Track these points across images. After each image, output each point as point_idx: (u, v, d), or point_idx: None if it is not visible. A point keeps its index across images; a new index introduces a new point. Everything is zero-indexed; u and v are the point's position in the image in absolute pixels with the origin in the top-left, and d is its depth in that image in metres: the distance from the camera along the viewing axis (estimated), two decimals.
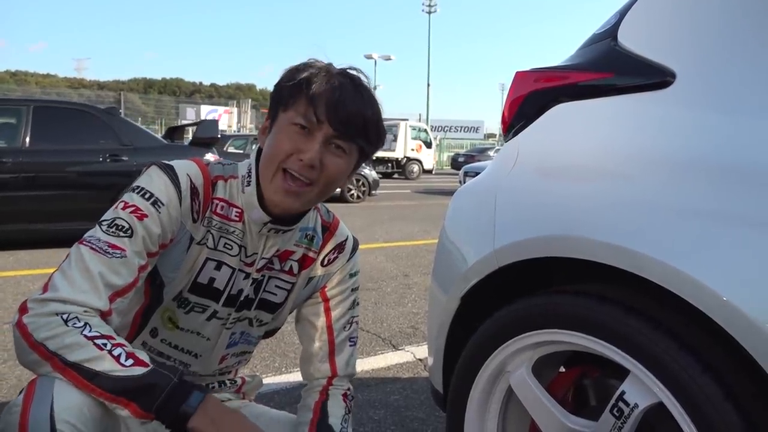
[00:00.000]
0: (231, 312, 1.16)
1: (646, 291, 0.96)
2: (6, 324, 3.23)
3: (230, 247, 1.11)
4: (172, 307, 1.12)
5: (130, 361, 0.86)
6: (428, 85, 38.64)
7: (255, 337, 1.26)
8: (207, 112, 35.65)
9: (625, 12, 1.25)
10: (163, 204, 1.01)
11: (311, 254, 1.21)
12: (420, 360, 2.85)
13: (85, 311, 0.89)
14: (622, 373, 0.97)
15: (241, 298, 1.15)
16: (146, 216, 0.98)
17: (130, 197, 1.01)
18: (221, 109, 38.31)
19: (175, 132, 7.26)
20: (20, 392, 0.88)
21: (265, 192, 1.05)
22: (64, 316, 0.87)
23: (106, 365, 0.84)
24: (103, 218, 0.99)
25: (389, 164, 21.67)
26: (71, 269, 0.92)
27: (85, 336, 0.86)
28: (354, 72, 1.07)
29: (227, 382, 1.29)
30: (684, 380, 0.87)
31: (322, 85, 0.99)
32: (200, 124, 6.37)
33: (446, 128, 44.92)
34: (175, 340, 1.15)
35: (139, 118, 37.10)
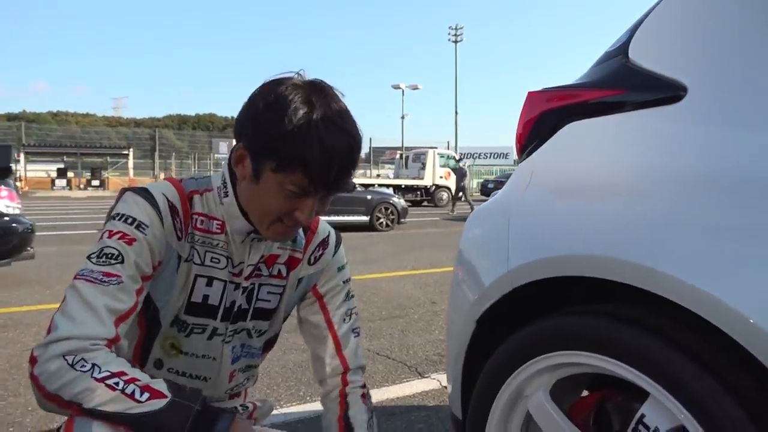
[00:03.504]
0: (228, 326, 1.16)
1: (663, 310, 0.93)
2: None
3: (217, 261, 1.11)
4: (173, 333, 1.12)
5: (146, 395, 0.84)
6: (456, 112, 38.85)
7: (256, 349, 1.26)
8: None
9: (635, 28, 1.24)
10: (147, 226, 1.01)
11: (297, 255, 1.22)
12: (446, 387, 2.80)
13: (92, 344, 0.87)
14: (643, 395, 0.94)
15: (235, 310, 1.16)
16: (134, 240, 0.99)
17: (113, 225, 1.00)
18: None
19: None
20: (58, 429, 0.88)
21: (260, 231, 1.07)
22: (69, 359, 0.85)
23: (121, 405, 0.82)
24: (90, 251, 0.98)
25: (418, 192, 21.71)
26: (69, 306, 0.91)
27: (95, 379, 0.83)
28: (336, 104, 1.00)
29: (239, 407, 1.28)
30: (706, 402, 0.83)
31: (317, 158, 0.95)
32: None
33: (475, 155, 44.91)
34: (182, 367, 1.15)
35: (173, 153, 38.13)
